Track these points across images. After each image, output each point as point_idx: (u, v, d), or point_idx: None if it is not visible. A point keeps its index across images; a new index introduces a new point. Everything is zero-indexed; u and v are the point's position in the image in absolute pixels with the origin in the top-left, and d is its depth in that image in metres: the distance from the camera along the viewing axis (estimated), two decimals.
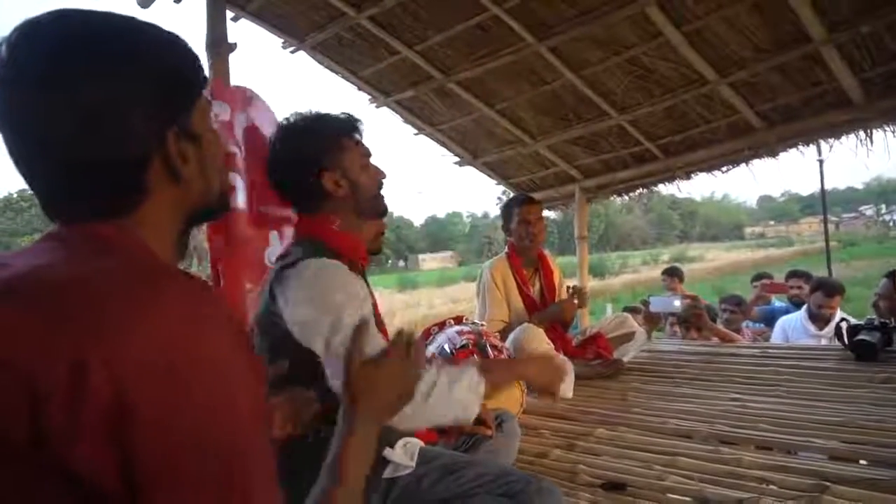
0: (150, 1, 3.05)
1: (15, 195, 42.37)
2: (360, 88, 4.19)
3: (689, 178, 4.38)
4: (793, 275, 5.00)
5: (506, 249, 3.30)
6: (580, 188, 4.84)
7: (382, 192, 1.57)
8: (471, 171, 5.08)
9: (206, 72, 0.78)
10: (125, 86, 0.65)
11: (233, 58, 2.65)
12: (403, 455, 1.30)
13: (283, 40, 3.75)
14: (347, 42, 3.72)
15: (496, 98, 4.11)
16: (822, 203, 14.37)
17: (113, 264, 0.62)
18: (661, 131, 4.10)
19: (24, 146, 0.65)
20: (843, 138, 3.60)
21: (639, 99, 3.83)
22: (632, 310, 4.55)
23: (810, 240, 47.44)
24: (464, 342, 2.29)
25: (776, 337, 4.20)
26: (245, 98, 2.51)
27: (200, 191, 0.75)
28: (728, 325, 4.33)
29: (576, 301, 3.07)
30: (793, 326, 4.05)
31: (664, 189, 4.78)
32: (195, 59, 0.74)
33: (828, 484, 1.65)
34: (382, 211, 1.58)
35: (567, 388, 2.77)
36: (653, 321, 3.99)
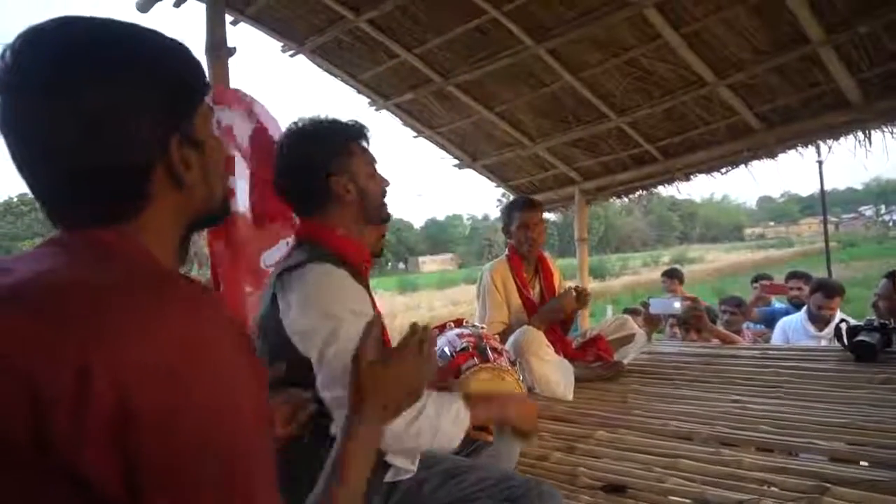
0: (149, 5, 3.05)
1: (15, 199, 42.35)
2: (359, 92, 4.20)
3: (688, 179, 4.39)
4: (793, 276, 5.00)
5: (506, 252, 3.30)
6: (580, 190, 4.85)
7: (386, 199, 1.57)
8: (470, 174, 5.08)
9: (207, 77, 0.78)
10: (128, 92, 0.65)
11: (232, 62, 2.65)
12: (405, 459, 1.30)
13: (282, 44, 3.75)
14: (347, 45, 3.73)
15: (495, 101, 4.11)
16: (822, 204, 14.40)
17: (115, 270, 0.62)
18: (661, 133, 4.11)
19: (28, 152, 0.65)
20: (842, 139, 3.61)
21: (638, 101, 3.84)
22: (632, 312, 4.55)
23: (810, 240, 47.44)
24: (464, 345, 2.28)
25: (776, 338, 4.19)
26: (248, 102, 2.52)
27: (203, 197, 0.75)
28: (728, 327, 4.33)
29: (574, 295, 3.07)
30: (793, 328, 4.05)
31: (664, 191, 4.79)
32: (197, 65, 0.74)
33: (828, 485, 1.65)
34: (386, 217, 1.57)
35: (567, 391, 2.77)
36: (653, 323, 3.99)
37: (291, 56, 3.83)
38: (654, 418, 2.36)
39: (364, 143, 1.52)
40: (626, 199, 5.19)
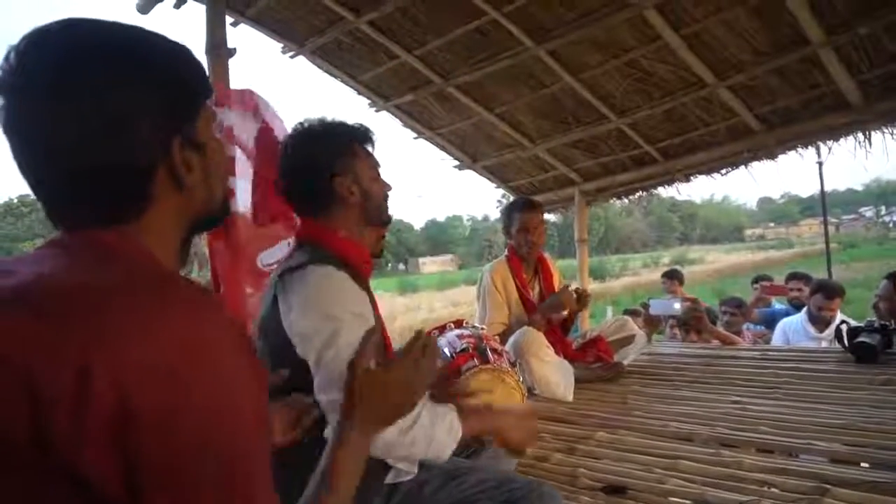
0: (149, 6, 3.05)
1: (16, 200, 42.37)
2: (359, 93, 4.20)
3: (688, 180, 4.38)
4: (793, 277, 5.00)
5: (506, 252, 3.30)
6: (580, 191, 4.85)
7: (388, 203, 1.58)
8: (470, 175, 5.08)
9: (209, 80, 0.79)
10: (132, 94, 0.66)
11: (232, 63, 2.65)
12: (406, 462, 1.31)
13: (282, 45, 3.75)
14: (347, 47, 3.73)
15: (495, 102, 4.11)
16: (822, 205, 14.41)
17: (116, 271, 0.62)
18: (661, 134, 4.11)
19: (31, 152, 0.66)
20: (842, 140, 3.61)
21: (638, 102, 3.84)
22: (632, 313, 4.56)
23: (810, 241, 47.51)
24: (464, 346, 2.29)
25: (776, 339, 4.19)
26: (255, 102, 2.52)
27: (204, 199, 0.76)
28: (728, 328, 4.33)
29: (575, 297, 3.06)
30: (793, 329, 4.05)
31: (664, 192, 4.77)
32: (200, 68, 0.75)
33: (828, 486, 1.65)
34: (387, 220, 1.58)
35: (567, 392, 2.77)
36: (653, 324, 4.00)
37: (292, 57, 3.83)
38: (654, 419, 2.36)
39: (369, 147, 1.53)
40: (626, 201, 5.18)
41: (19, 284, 0.57)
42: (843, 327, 3.11)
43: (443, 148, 4.80)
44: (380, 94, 4.21)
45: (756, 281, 5.38)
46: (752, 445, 2.05)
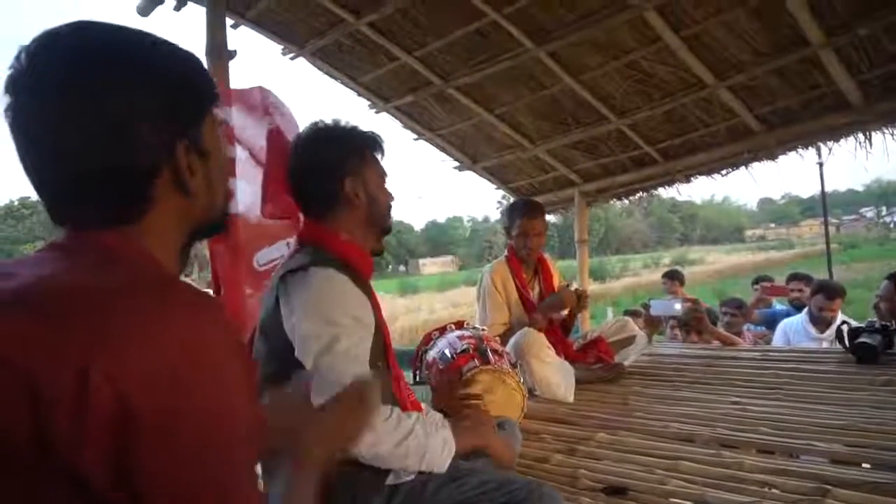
0: (150, 9, 3.06)
1: (16, 203, 42.41)
2: (359, 94, 4.21)
3: (688, 181, 4.39)
4: (793, 277, 5.00)
5: (506, 253, 3.30)
6: (580, 192, 4.85)
7: (390, 212, 1.61)
8: (471, 176, 5.09)
9: (217, 88, 0.80)
10: (140, 97, 0.67)
11: (233, 65, 2.65)
12: None
13: (282, 47, 3.76)
14: (347, 48, 3.73)
15: (495, 103, 4.12)
16: (823, 205, 14.36)
17: (118, 274, 0.63)
18: (661, 135, 4.11)
19: (36, 152, 0.66)
20: (843, 141, 3.61)
21: (638, 103, 3.84)
22: (632, 313, 4.55)
23: (811, 242, 47.51)
24: (465, 347, 2.29)
25: (777, 340, 4.19)
26: (266, 101, 2.52)
27: (205, 205, 0.77)
28: (729, 329, 4.32)
29: (574, 289, 3.06)
30: (794, 329, 4.04)
31: (664, 192, 4.77)
32: (208, 76, 0.76)
33: (829, 487, 1.65)
34: (388, 229, 1.61)
35: (568, 393, 2.77)
36: (653, 325, 3.99)
37: (292, 59, 3.84)
38: (654, 420, 2.36)
39: (378, 155, 1.56)
40: (626, 201, 5.19)
41: (20, 286, 0.58)
42: (844, 328, 3.10)
43: (443, 149, 4.80)
44: (380, 96, 4.22)
45: (756, 282, 5.37)
46: (753, 446, 2.05)
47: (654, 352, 3.70)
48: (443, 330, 2.51)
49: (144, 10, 3.06)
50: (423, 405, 1.65)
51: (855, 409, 2.29)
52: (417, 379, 2.36)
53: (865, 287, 12.16)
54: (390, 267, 53.57)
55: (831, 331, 3.71)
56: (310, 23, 3.54)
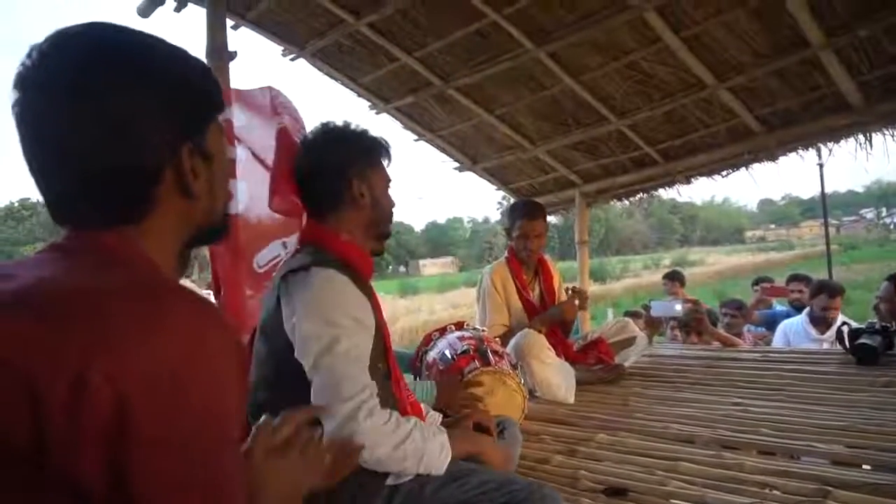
0: (150, 10, 3.06)
1: (16, 204, 42.44)
2: (359, 95, 4.21)
3: (689, 182, 4.38)
4: (794, 278, 5.00)
5: (506, 254, 3.30)
6: (580, 193, 4.85)
7: (391, 218, 1.63)
8: (471, 177, 5.08)
9: (223, 95, 0.81)
10: (148, 98, 0.68)
11: (233, 66, 2.65)
12: None
13: (282, 48, 3.76)
14: (347, 49, 3.73)
15: (496, 104, 4.12)
16: (823, 206, 14.40)
17: (117, 276, 0.63)
18: (661, 136, 4.11)
19: (43, 150, 0.67)
20: (843, 142, 3.61)
21: (638, 104, 3.84)
22: (633, 314, 4.55)
23: (811, 243, 47.53)
24: (465, 348, 2.29)
25: (777, 341, 4.19)
26: (273, 101, 2.53)
27: (206, 208, 0.77)
28: (729, 330, 4.32)
29: (576, 302, 3.07)
30: (794, 330, 4.04)
31: (664, 193, 4.77)
32: (215, 82, 0.77)
33: (830, 489, 1.65)
34: (388, 234, 1.63)
35: (568, 394, 2.77)
36: (654, 326, 3.99)
37: (292, 60, 3.84)
38: (655, 421, 2.36)
39: (386, 162, 1.58)
40: (626, 202, 5.18)
41: (20, 288, 0.58)
42: (844, 329, 3.11)
43: (443, 150, 4.80)
44: (380, 97, 4.22)
45: (757, 282, 5.37)
46: (754, 447, 2.05)
47: (654, 353, 3.70)
48: (443, 331, 2.51)
49: (145, 12, 3.06)
50: (422, 406, 1.66)
51: (855, 410, 2.29)
52: (418, 381, 2.36)
53: (865, 288, 12.16)
54: (390, 268, 53.59)
55: (831, 332, 3.71)
56: (310, 23, 3.54)
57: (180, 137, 0.71)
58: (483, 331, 2.54)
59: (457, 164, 4.96)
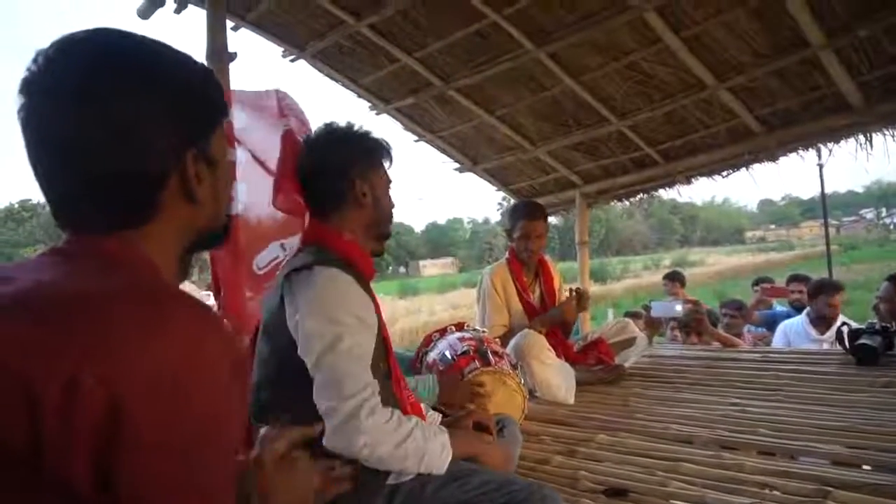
0: (150, 11, 3.06)
1: (16, 206, 42.45)
2: (360, 96, 4.21)
3: (689, 182, 4.38)
4: (794, 279, 4.99)
5: (506, 255, 3.30)
6: (580, 193, 4.85)
7: (391, 219, 1.64)
8: (471, 178, 5.09)
9: (227, 102, 0.81)
10: (153, 104, 0.68)
11: (233, 67, 2.65)
12: None
13: (283, 49, 3.76)
14: (347, 50, 3.73)
15: (496, 104, 4.12)
16: (823, 207, 14.40)
17: (117, 280, 0.63)
18: (661, 136, 4.11)
19: (48, 154, 0.67)
20: (843, 142, 3.61)
21: (638, 104, 3.84)
22: (633, 315, 4.56)
23: (811, 243, 47.55)
24: (465, 348, 2.29)
25: (777, 341, 4.19)
26: (280, 103, 2.53)
27: (209, 215, 0.78)
28: (729, 330, 4.32)
29: (575, 304, 3.06)
30: (794, 331, 4.04)
31: (665, 194, 4.78)
32: (220, 88, 0.78)
33: (830, 489, 1.64)
34: (387, 234, 1.64)
35: (568, 395, 2.77)
36: (654, 326, 3.99)
37: (292, 61, 3.84)
38: (655, 422, 2.36)
39: (387, 164, 1.60)
40: (626, 203, 5.19)
41: (19, 291, 0.58)
42: (844, 329, 3.10)
43: (443, 151, 4.80)
44: (380, 98, 4.22)
45: (757, 283, 5.38)
46: (754, 448, 2.05)
47: (654, 353, 3.70)
48: (443, 331, 2.51)
49: (145, 13, 3.07)
50: (422, 406, 1.66)
51: (855, 410, 2.29)
52: (418, 378, 2.36)
53: (865, 288, 12.16)
54: (390, 268, 53.63)
55: (831, 332, 3.71)
56: (310, 25, 3.55)
57: (185, 143, 0.71)
58: (483, 331, 2.54)
59: (457, 165, 4.97)
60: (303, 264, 1.37)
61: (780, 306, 5.04)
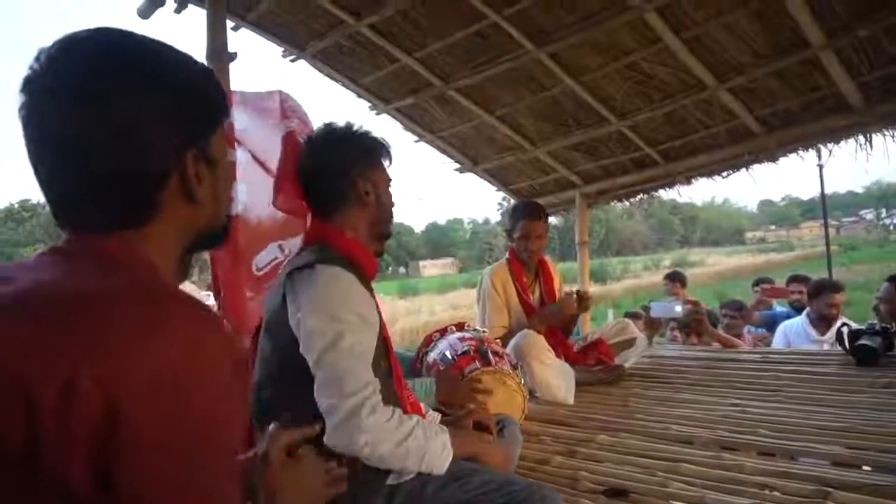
0: (150, 11, 3.06)
1: (16, 205, 42.45)
2: (360, 96, 4.21)
3: (689, 182, 4.39)
4: (794, 279, 4.99)
5: (507, 255, 3.30)
6: (581, 194, 4.85)
7: (392, 218, 1.65)
8: (471, 178, 5.09)
9: (227, 103, 0.82)
10: (155, 103, 0.68)
11: (233, 67, 2.65)
12: None
13: (283, 49, 3.76)
14: (347, 50, 3.74)
15: (496, 105, 4.12)
16: (823, 207, 14.40)
17: (117, 280, 0.63)
18: (661, 137, 4.11)
19: (49, 153, 0.67)
20: (843, 143, 3.62)
21: (638, 104, 3.84)
22: (633, 315, 4.55)
23: (811, 244, 47.52)
24: (465, 348, 2.29)
25: (777, 342, 4.18)
26: (282, 104, 2.54)
27: (209, 215, 0.78)
28: (729, 331, 4.32)
29: (576, 304, 3.06)
30: (794, 331, 4.04)
31: (665, 194, 4.78)
32: (221, 89, 0.78)
33: (830, 490, 1.64)
34: (388, 234, 1.64)
35: (568, 395, 2.77)
36: (654, 327, 3.99)
37: (292, 61, 3.84)
38: (655, 422, 2.36)
39: (387, 163, 1.60)
40: (626, 203, 5.19)
41: (18, 291, 0.58)
42: (844, 330, 3.10)
43: (443, 151, 4.80)
44: (380, 98, 4.22)
45: (757, 283, 5.37)
46: (753, 448, 2.05)
47: (654, 354, 3.69)
48: (443, 331, 2.51)
49: (145, 13, 3.07)
50: (422, 406, 1.66)
51: (855, 411, 2.29)
52: (417, 380, 2.36)
53: (865, 289, 12.16)
54: (390, 269, 53.65)
55: (831, 333, 3.70)
56: (310, 25, 3.55)
57: (186, 143, 0.71)
58: (484, 332, 2.54)
59: (457, 166, 4.97)
60: (305, 263, 1.38)
61: (780, 307, 5.04)
